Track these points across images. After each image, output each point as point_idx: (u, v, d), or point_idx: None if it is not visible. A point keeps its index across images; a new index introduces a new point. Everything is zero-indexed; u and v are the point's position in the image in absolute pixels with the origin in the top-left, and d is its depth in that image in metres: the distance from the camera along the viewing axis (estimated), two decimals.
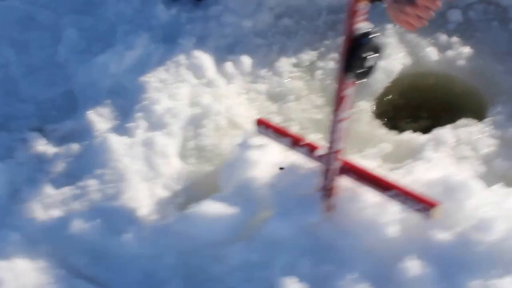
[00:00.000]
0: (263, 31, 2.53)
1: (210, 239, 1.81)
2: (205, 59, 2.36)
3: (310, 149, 1.83)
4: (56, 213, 1.96)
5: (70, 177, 2.08)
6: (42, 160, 2.16)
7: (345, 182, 1.78)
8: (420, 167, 1.92)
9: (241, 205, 1.84)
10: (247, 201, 1.84)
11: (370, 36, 1.52)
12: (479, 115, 2.25)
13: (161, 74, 2.31)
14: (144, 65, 2.34)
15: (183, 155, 2.14)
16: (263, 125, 1.96)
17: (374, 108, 2.33)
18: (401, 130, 2.23)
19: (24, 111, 2.33)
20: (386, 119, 2.31)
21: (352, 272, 1.67)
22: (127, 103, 2.26)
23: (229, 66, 2.37)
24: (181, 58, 2.35)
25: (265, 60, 2.43)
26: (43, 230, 1.89)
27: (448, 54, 2.44)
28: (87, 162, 2.10)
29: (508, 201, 1.74)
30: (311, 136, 2.08)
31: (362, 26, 1.52)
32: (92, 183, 2.02)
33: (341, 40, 1.62)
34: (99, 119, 2.23)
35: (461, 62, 2.41)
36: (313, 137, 2.13)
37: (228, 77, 2.35)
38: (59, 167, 2.12)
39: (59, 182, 2.06)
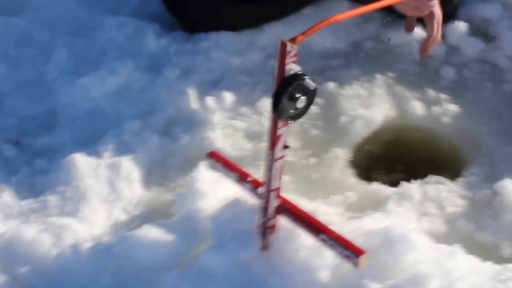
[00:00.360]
0: (250, 70, 2.55)
1: (149, 263, 1.82)
2: (185, 91, 2.39)
3: (254, 185, 1.83)
4: (12, 223, 2.01)
5: (33, 190, 2.14)
6: (11, 172, 2.21)
7: (284, 222, 1.77)
8: (375, 218, 1.92)
9: (183, 234, 1.85)
10: (189, 231, 1.85)
11: (301, 78, 1.54)
12: (454, 174, 2.24)
13: (140, 102, 2.36)
14: (124, 92, 2.39)
15: (147, 182, 2.16)
16: (214, 158, 1.98)
17: (350, 157, 2.31)
18: (371, 180, 2.23)
19: (5, 123, 2.39)
20: (359, 169, 2.29)
21: None
22: (102, 126, 2.30)
23: (209, 100, 2.38)
24: (162, 88, 2.40)
25: (248, 98, 2.43)
26: None
27: (434, 110, 2.42)
28: (52, 178, 2.15)
29: (449, 261, 1.72)
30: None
31: (293, 67, 1.55)
32: (52, 199, 2.08)
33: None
34: (72, 138, 2.28)
35: (446, 120, 2.40)
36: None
37: (206, 112, 2.36)
38: (25, 180, 2.17)
39: (22, 194, 2.12)
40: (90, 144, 2.24)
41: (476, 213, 2.08)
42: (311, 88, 1.56)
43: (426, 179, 2.17)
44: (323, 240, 1.69)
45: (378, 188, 2.17)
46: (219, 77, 2.51)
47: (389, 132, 2.41)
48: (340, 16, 1.60)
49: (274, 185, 1.71)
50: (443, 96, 2.47)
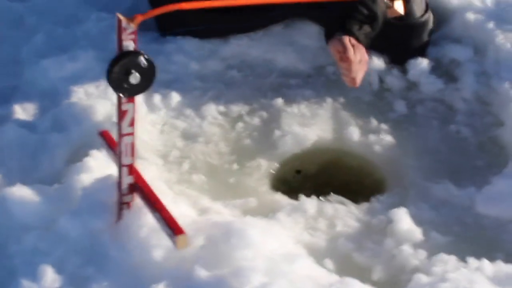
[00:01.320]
0: (206, 76, 2.68)
1: (20, 222, 1.97)
2: None
3: None
4: None
5: None
6: None
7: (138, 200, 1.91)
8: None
9: (54, 199, 2.03)
10: (60, 197, 2.04)
11: (133, 55, 1.67)
12: (363, 199, 2.29)
13: (90, 89, 2.52)
14: (79, 77, 2.58)
15: (64, 155, 2.31)
16: (104, 137, 2.09)
17: (271, 169, 2.40)
18: (281, 192, 2.31)
19: None
20: (275, 181, 2.38)
21: (109, 282, 1.79)
22: (48, 104, 2.51)
23: (157, 98, 2.54)
24: None
25: (195, 102, 2.57)
26: None
27: (371, 139, 2.48)
28: None
29: (284, 263, 1.78)
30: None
31: (129, 44, 1.69)
32: None
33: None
34: (19, 111, 2.49)
35: (379, 149, 2.46)
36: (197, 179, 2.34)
37: (151, 108, 2.52)
38: None
39: None
40: (31, 118, 2.47)
41: (362, 236, 2.13)
42: (143, 65, 1.68)
43: (329, 197, 2.25)
44: (157, 218, 1.80)
45: (279, 198, 2.27)
46: (174, 79, 2.66)
47: (318, 152, 2.49)
48: (186, 5, 1.73)
49: (125, 161, 1.83)
50: (385, 127, 2.53)
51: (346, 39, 2.45)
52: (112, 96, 2.43)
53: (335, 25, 2.55)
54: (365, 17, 2.53)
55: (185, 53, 2.74)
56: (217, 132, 2.52)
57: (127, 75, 1.69)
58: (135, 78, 1.70)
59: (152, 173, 2.21)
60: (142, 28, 2.76)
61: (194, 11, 2.68)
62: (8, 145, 2.34)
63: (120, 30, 1.68)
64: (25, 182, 2.15)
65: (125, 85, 1.71)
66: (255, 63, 2.79)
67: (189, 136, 2.50)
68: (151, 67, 1.72)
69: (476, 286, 1.81)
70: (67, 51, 2.70)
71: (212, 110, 2.57)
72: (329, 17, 2.65)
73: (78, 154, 2.27)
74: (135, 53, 1.69)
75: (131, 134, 1.82)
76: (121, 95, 1.75)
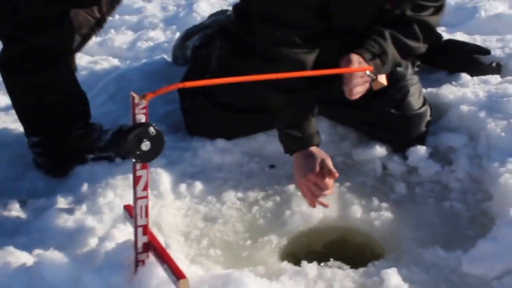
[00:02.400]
0: (226, 167, 2.96)
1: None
2: (164, 176, 2.84)
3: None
4: None
5: None
6: None
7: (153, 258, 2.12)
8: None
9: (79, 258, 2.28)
10: (85, 257, 2.31)
11: (144, 126, 1.91)
12: (361, 265, 2.47)
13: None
14: None
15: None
16: (127, 210, 2.33)
17: (282, 244, 2.62)
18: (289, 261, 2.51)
19: None
20: (285, 254, 2.60)
21: None
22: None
23: (182, 187, 2.83)
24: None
25: (216, 190, 2.85)
26: None
27: (372, 216, 2.69)
28: None
29: None
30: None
31: (141, 117, 1.93)
32: None
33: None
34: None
35: (378, 224, 2.66)
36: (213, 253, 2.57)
37: (177, 195, 2.80)
38: None
39: None
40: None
41: None
42: (152, 134, 1.93)
43: (329, 263, 2.45)
44: (165, 269, 2.02)
45: (284, 265, 2.46)
46: (198, 171, 2.94)
47: (323, 228, 2.70)
48: (189, 83, 2.03)
49: (140, 222, 2.06)
50: (385, 205, 2.74)
51: (355, 55, 2.60)
52: None
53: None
54: (376, 50, 2.67)
55: (209, 148, 3.00)
56: (233, 214, 2.74)
57: (139, 143, 1.92)
58: (146, 145, 1.92)
59: (174, 248, 2.44)
60: (174, 128, 3.18)
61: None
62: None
63: (133, 105, 1.93)
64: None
65: (138, 152, 1.94)
66: (272, 155, 3.03)
67: (209, 219, 2.73)
68: (159, 135, 1.94)
69: None
70: None
71: (231, 196, 2.82)
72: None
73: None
74: (146, 125, 1.93)
75: (145, 197, 2.04)
76: (134, 161, 1.97)
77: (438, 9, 2.86)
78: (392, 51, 2.72)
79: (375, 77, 2.58)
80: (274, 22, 2.67)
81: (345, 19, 2.76)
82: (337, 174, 2.56)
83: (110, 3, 2.65)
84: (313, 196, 2.59)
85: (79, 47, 2.77)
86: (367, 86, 2.65)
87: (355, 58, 2.59)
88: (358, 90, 2.62)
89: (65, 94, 2.86)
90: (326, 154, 2.62)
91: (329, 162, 2.57)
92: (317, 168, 2.55)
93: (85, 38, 2.74)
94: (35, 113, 2.84)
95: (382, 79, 2.62)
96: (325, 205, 2.61)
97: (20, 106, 2.85)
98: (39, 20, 2.61)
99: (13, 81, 2.79)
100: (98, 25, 2.71)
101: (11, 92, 2.83)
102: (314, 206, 2.62)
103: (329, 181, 2.55)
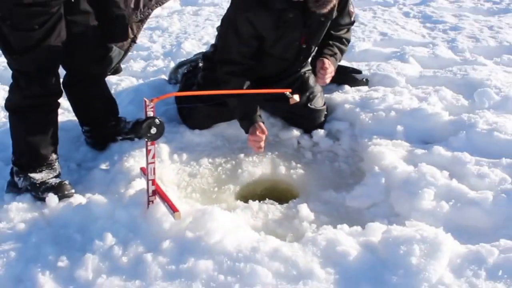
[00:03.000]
0: (202, 144, 2.91)
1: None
2: (164, 149, 2.76)
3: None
4: None
5: None
6: None
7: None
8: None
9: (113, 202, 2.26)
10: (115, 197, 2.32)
11: (152, 118, 1.97)
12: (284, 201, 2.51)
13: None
14: None
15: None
16: (142, 171, 2.37)
17: (236, 190, 2.64)
18: (241, 200, 2.54)
19: None
20: (237, 195, 2.61)
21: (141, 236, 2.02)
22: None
23: (175, 156, 2.78)
24: None
25: (196, 157, 2.80)
26: None
27: (291, 172, 2.69)
28: None
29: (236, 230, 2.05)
30: None
31: (150, 113, 1.99)
32: None
33: None
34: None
35: (295, 177, 2.68)
36: (194, 196, 2.56)
37: (172, 161, 2.75)
38: None
39: None
40: None
41: (281, 220, 2.35)
42: (157, 123, 1.98)
43: (265, 201, 2.48)
44: (166, 206, 2.06)
45: (238, 203, 2.49)
46: (184, 146, 2.89)
47: (262, 180, 2.71)
48: (177, 93, 2.04)
49: (150, 177, 2.10)
50: (299, 165, 2.73)
51: (325, 59, 2.75)
52: None
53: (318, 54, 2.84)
54: (332, 53, 2.82)
55: (190, 132, 2.97)
56: (207, 173, 2.73)
57: (149, 129, 1.98)
58: (153, 130, 1.98)
59: (170, 193, 2.37)
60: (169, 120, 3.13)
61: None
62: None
63: (145, 106, 1.98)
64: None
65: (149, 134, 1.99)
66: (229, 136, 3.00)
67: (192, 175, 2.71)
68: (161, 124, 2.00)
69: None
70: None
71: (205, 161, 2.79)
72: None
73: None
74: (153, 117, 1.99)
75: (153, 162, 2.08)
76: (146, 140, 2.02)
77: (348, 29, 2.98)
78: (338, 52, 2.88)
79: (291, 96, 2.47)
80: (223, 62, 2.75)
81: (277, 55, 2.80)
82: (266, 132, 2.62)
83: (137, 27, 2.63)
84: (255, 145, 2.62)
85: (123, 57, 2.75)
86: (332, 75, 2.78)
87: (326, 60, 2.76)
88: (328, 80, 2.77)
89: (104, 100, 2.87)
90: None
91: (263, 126, 2.62)
92: (256, 131, 2.61)
93: (126, 52, 2.72)
94: (86, 112, 2.85)
95: (296, 97, 2.48)
96: (260, 151, 2.65)
97: (77, 108, 2.85)
98: (92, 58, 2.61)
99: (73, 94, 2.78)
100: (133, 41, 2.70)
101: (71, 100, 2.84)
102: (258, 151, 2.65)
103: (261, 135, 2.61)
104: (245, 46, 2.69)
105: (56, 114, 2.54)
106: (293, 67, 2.94)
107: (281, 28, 2.64)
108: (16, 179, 2.49)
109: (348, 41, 3.00)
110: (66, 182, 2.46)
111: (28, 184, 2.45)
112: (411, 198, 2.21)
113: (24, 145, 2.46)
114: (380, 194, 2.35)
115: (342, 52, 2.95)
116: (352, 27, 3.03)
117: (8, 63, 2.38)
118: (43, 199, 2.38)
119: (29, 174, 2.46)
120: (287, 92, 2.48)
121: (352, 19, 2.93)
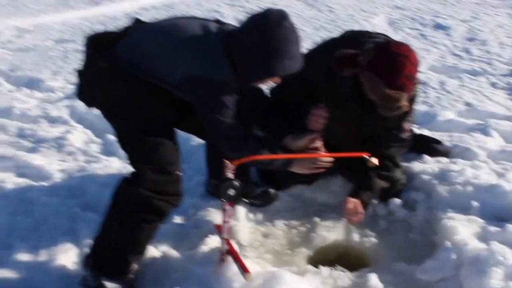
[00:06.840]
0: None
1: None
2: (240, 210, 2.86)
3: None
4: None
5: None
6: None
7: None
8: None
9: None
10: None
11: (231, 180, 2.07)
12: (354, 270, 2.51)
13: None
14: None
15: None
16: (217, 227, 2.51)
17: (309, 253, 2.66)
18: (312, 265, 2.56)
19: None
20: (310, 259, 2.64)
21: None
22: None
23: (250, 216, 2.91)
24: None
25: (271, 217, 2.90)
26: None
27: (363, 240, 2.71)
28: None
29: None
30: None
31: (229, 175, 2.10)
32: None
33: None
34: None
35: (367, 245, 2.69)
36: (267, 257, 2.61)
37: (247, 220, 2.89)
38: None
39: None
40: None
41: None
42: (236, 185, 2.07)
43: (335, 268, 2.49)
44: (237, 266, 2.16)
45: (309, 267, 2.52)
46: (264, 209, 2.94)
47: (333, 245, 2.74)
48: (260, 156, 2.11)
49: (225, 236, 2.21)
50: (372, 234, 2.74)
51: (354, 199, 2.68)
52: None
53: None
54: (367, 199, 2.72)
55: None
56: (281, 234, 2.77)
57: (228, 190, 2.07)
58: (231, 191, 2.07)
59: (243, 252, 2.49)
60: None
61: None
62: None
63: (224, 167, 2.11)
64: None
65: (226, 195, 2.08)
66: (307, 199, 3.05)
67: (266, 235, 2.78)
68: (240, 187, 2.06)
69: None
70: None
71: (280, 223, 2.85)
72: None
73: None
74: (231, 179, 2.09)
75: (229, 222, 2.18)
76: (224, 200, 2.11)
77: (401, 146, 2.82)
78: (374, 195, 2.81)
79: (368, 158, 2.48)
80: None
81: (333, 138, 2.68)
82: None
83: None
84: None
85: None
86: (362, 216, 2.70)
87: (352, 200, 2.69)
88: (353, 220, 2.72)
89: None
90: None
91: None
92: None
93: None
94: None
95: (375, 160, 2.48)
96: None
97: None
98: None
99: None
100: None
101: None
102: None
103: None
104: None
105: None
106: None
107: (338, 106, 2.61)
108: (87, 274, 2.27)
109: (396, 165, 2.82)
110: None
111: None
112: (480, 276, 2.18)
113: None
114: (451, 269, 2.31)
115: (379, 192, 2.81)
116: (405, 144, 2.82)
117: None
118: None
119: (102, 282, 2.23)
120: (366, 155, 2.47)
121: (403, 136, 2.74)
